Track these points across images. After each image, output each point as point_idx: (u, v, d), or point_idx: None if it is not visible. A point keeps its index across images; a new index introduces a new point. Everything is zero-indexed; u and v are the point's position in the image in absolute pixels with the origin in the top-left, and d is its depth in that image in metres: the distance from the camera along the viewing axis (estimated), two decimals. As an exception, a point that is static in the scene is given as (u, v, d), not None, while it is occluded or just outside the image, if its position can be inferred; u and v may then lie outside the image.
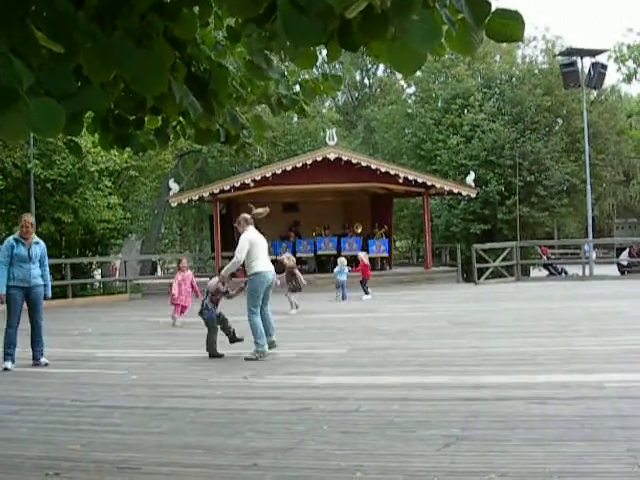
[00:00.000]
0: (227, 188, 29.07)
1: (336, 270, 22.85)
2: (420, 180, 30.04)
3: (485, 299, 21.67)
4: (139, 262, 40.45)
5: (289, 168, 28.63)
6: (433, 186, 30.68)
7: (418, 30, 2.72)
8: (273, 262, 12.80)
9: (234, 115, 5.78)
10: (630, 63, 46.73)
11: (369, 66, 59.85)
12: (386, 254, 31.82)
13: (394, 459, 5.96)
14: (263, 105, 6.46)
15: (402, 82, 52.96)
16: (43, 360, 11.51)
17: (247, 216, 12.42)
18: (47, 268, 11.93)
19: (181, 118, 5.60)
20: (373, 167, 29.20)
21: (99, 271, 38.77)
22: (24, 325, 11.58)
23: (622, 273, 33.13)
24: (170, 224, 54.70)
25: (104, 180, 31.05)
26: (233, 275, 12.75)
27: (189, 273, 18.04)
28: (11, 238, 11.56)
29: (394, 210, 36.96)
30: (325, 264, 30.64)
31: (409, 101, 49.80)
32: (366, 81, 63.12)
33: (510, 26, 2.91)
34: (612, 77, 71.33)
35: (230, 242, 31.07)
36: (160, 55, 3.12)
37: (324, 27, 2.74)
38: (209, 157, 45.43)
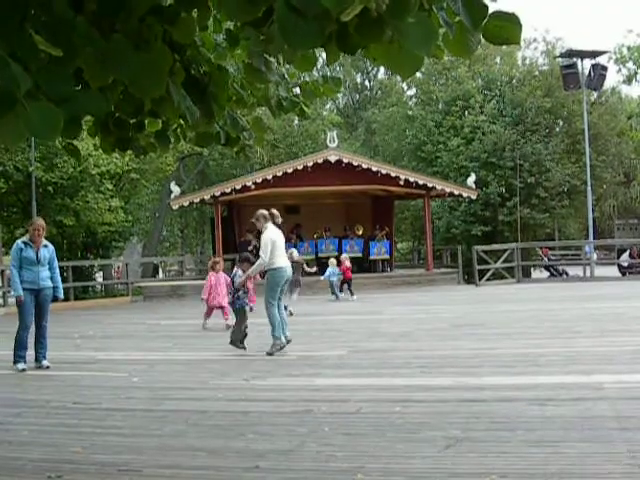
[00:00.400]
0: (228, 190, 29.07)
1: (327, 274, 22.96)
2: (421, 182, 30.05)
3: (486, 301, 21.66)
4: (141, 265, 40.48)
5: (290, 170, 28.63)
6: (434, 188, 30.68)
7: (414, 33, 2.73)
8: None
9: (234, 117, 5.80)
10: (630, 64, 46.78)
11: (370, 68, 59.87)
12: (387, 256, 31.80)
13: (395, 461, 5.97)
14: (263, 107, 6.48)
15: (403, 84, 52.98)
16: (45, 363, 11.52)
17: (265, 212, 12.60)
18: (57, 270, 11.98)
19: (181, 121, 5.62)
20: (374, 169, 29.20)
21: (101, 274, 38.80)
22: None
23: (623, 274, 33.14)
24: (171, 227, 54.73)
25: (105, 183, 31.11)
26: (247, 260, 12.94)
27: (222, 274, 17.59)
28: (20, 241, 11.60)
29: (395, 212, 36.94)
30: (326, 266, 30.61)
31: (410, 103, 49.79)
32: (367, 83, 63.17)
33: (507, 29, 2.92)
34: (612, 78, 71.33)
35: (231, 244, 31.14)
36: (158, 58, 3.13)
37: (321, 30, 2.75)
38: (210, 160, 45.46)
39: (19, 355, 11.39)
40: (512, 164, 37.55)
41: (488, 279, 29.73)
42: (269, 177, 28.52)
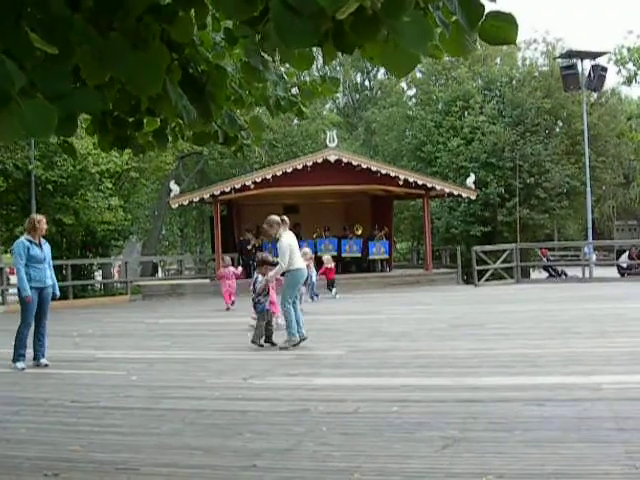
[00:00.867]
0: (227, 190, 29.07)
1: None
2: (420, 182, 30.08)
3: (485, 301, 21.66)
4: (140, 263, 40.48)
5: (289, 170, 28.63)
6: (433, 188, 30.69)
7: (410, 32, 2.73)
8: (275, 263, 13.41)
9: (232, 117, 5.80)
10: (630, 65, 46.73)
11: (370, 68, 59.88)
12: (386, 256, 31.84)
13: (392, 460, 5.97)
14: (263, 107, 6.49)
15: (403, 84, 52.98)
16: (43, 361, 11.51)
17: (278, 219, 13.37)
18: (52, 267, 11.97)
19: (179, 120, 5.62)
20: (373, 169, 29.22)
21: (100, 272, 38.79)
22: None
23: (622, 275, 33.14)
24: (171, 226, 54.76)
25: (105, 182, 31.09)
26: (264, 262, 13.59)
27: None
28: (24, 239, 11.48)
29: (394, 212, 36.96)
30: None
31: (409, 103, 49.80)
32: (367, 83, 63.21)
33: (504, 29, 2.91)
34: (612, 79, 71.25)
35: (230, 243, 31.15)
36: (156, 57, 3.13)
37: (316, 28, 2.75)
38: (210, 159, 45.47)
39: (19, 353, 11.38)
40: (512, 165, 37.57)
41: (487, 279, 29.74)
42: (269, 176, 28.52)
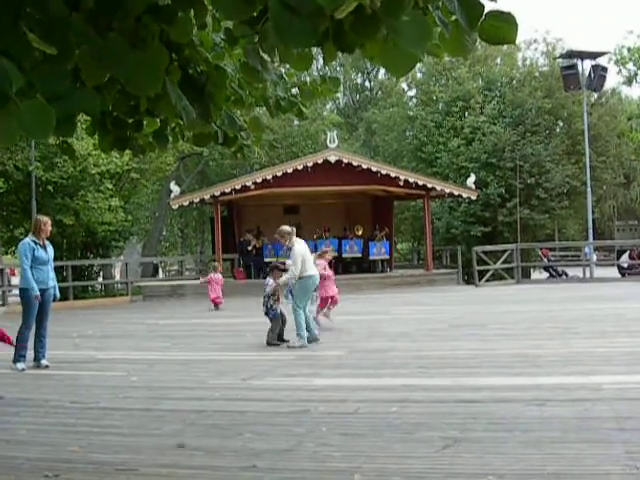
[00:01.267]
0: (228, 190, 29.05)
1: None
2: (421, 182, 30.06)
3: (485, 301, 21.66)
4: (140, 264, 40.49)
5: (290, 170, 28.62)
6: (434, 188, 30.67)
7: (409, 31, 2.72)
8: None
9: (232, 117, 5.80)
10: (630, 65, 46.79)
11: (370, 69, 59.87)
12: (387, 256, 31.82)
13: (393, 461, 5.96)
14: (263, 107, 6.49)
15: (403, 85, 53.01)
16: (44, 362, 11.51)
17: (289, 229, 13.95)
18: (53, 269, 11.98)
19: (179, 120, 5.62)
20: (374, 169, 29.20)
21: (101, 273, 38.80)
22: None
23: (622, 275, 33.10)
24: (171, 226, 54.76)
25: (105, 182, 31.10)
26: (276, 268, 14.22)
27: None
28: (29, 240, 11.49)
29: (395, 212, 36.95)
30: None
31: (410, 104, 49.81)
32: (367, 84, 63.18)
33: (503, 28, 2.91)
34: (612, 79, 71.28)
35: (231, 244, 31.15)
36: (155, 57, 3.12)
37: (315, 28, 2.74)
38: (210, 160, 45.46)
39: (20, 354, 11.37)
40: (512, 165, 37.57)
41: (488, 280, 29.72)
42: (269, 177, 28.50)
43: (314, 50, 4.69)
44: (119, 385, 9.95)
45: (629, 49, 47.30)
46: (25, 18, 3.00)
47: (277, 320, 13.56)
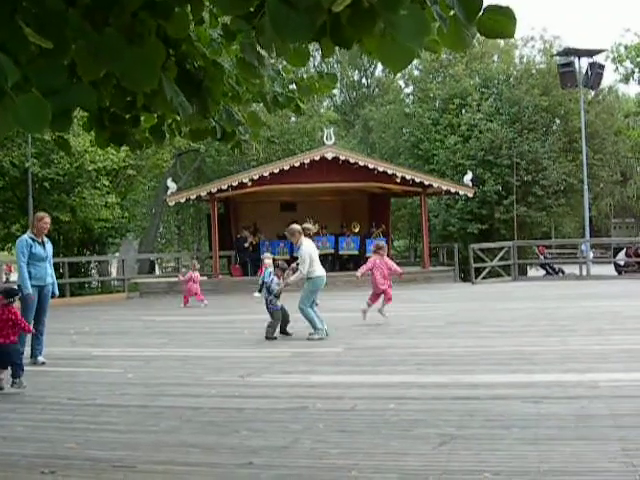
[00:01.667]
0: (225, 187, 29.01)
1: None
2: (417, 180, 30.02)
3: (482, 299, 21.67)
4: (137, 261, 40.45)
5: (287, 167, 28.58)
6: (430, 186, 30.65)
7: (407, 25, 2.72)
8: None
9: (230, 112, 5.79)
10: (627, 63, 46.75)
11: (367, 66, 59.84)
12: (384, 253, 31.79)
13: (389, 458, 5.97)
14: (260, 103, 6.48)
15: (400, 82, 52.95)
16: (40, 359, 11.49)
17: (299, 228, 14.38)
18: (52, 266, 11.96)
19: (176, 116, 5.61)
20: (371, 167, 29.17)
21: (96, 270, 38.75)
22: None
23: (619, 273, 33.10)
24: (168, 223, 54.72)
25: (102, 179, 31.02)
26: (279, 267, 14.75)
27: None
28: (27, 237, 11.46)
29: (392, 209, 36.95)
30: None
31: (407, 101, 49.74)
32: (364, 81, 63.12)
33: (501, 22, 2.91)
34: (609, 77, 71.19)
35: (228, 241, 31.12)
36: (151, 53, 3.12)
37: (312, 22, 2.74)
38: (207, 156, 45.41)
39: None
40: (509, 162, 37.57)
41: (484, 277, 29.74)
42: (266, 174, 28.46)
43: (311, 47, 4.68)
44: (116, 382, 9.95)
45: (626, 47, 47.27)
46: (21, 12, 2.99)
47: (277, 314, 13.77)
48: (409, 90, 51.76)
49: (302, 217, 30.73)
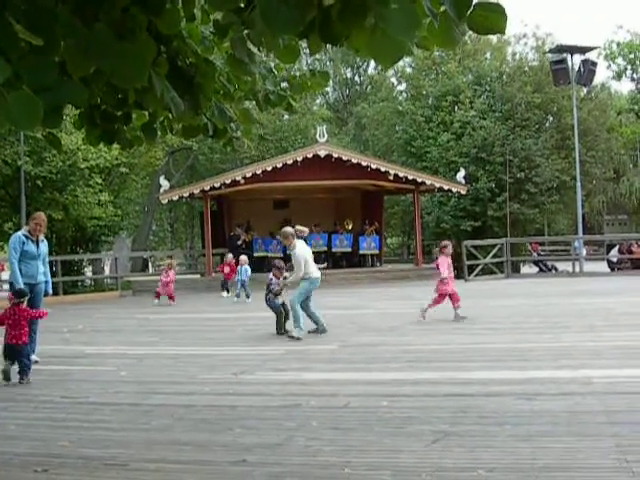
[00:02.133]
0: (218, 185, 28.98)
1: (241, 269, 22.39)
2: (410, 177, 30.04)
3: (475, 296, 21.64)
4: (130, 259, 40.42)
5: (280, 165, 28.56)
6: (423, 183, 30.66)
7: (397, 19, 2.71)
8: (264, 258, 14.32)
9: (221, 109, 5.77)
10: (620, 60, 46.94)
11: (360, 63, 59.81)
12: (377, 251, 31.84)
13: (383, 455, 5.97)
14: (252, 101, 6.47)
15: (393, 79, 52.97)
16: (33, 357, 11.42)
17: (292, 230, 14.57)
18: (47, 265, 11.92)
19: (168, 113, 5.59)
20: (364, 164, 29.16)
21: (90, 268, 38.70)
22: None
23: (612, 270, 33.18)
24: (161, 221, 54.68)
25: (94, 177, 30.98)
26: (277, 267, 14.84)
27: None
28: (21, 234, 11.45)
29: (385, 207, 36.95)
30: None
31: (400, 98, 49.77)
32: (357, 78, 63.09)
33: (492, 18, 2.90)
34: (602, 74, 71.33)
35: (221, 239, 31.09)
36: (142, 49, 3.10)
37: (302, 15, 2.74)
38: (200, 154, 45.38)
39: None
40: (502, 159, 37.61)
41: (477, 274, 29.77)
42: (259, 172, 28.43)
43: (302, 44, 4.67)
44: (109, 380, 9.94)
45: (618, 44, 47.45)
46: (11, 9, 2.98)
47: (277, 310, 14.19)
48: (402, 87, 51.83)
49: (295, 215, 30.79)
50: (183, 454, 6.19)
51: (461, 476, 5.42)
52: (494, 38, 42.42)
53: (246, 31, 3.95)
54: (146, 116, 5.57)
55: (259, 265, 27.09)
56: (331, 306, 18.73)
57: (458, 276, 31.63)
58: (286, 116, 44.21)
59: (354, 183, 31.07)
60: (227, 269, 24.59)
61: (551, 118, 42.32)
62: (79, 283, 33.59)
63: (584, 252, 34.99)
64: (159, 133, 6.06)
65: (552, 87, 38.24)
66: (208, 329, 15.87)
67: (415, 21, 2.74)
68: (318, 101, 57.65)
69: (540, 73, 40.42)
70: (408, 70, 47.75)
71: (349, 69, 61.66)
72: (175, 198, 30.94)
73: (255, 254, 29.20)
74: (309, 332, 13.70)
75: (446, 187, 31.47)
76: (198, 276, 31.37)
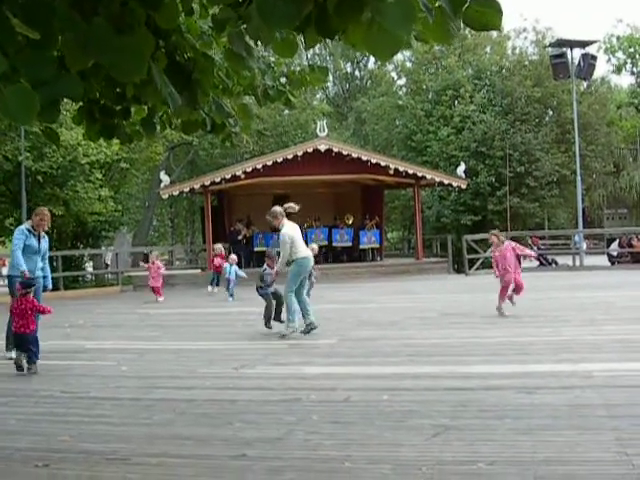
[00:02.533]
0: (218, 180, 29.00)
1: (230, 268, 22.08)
2: (411, 171, 30.05)
3: (475, 290, 21.66)
4: (130, 254, 40.42)
5: (280, 160, 28.58)
6: (424, 177, 30.69)
7: (394, 12, 2.71)
8: (264, 253, 13.89)
9: (220, 104, 5.77)
10: (620, 54, 46.87)
11: (359, 58, 59.75)
12: (377, 245, 31.87)
13: (383, 449, 5.97)
14: (252, 97, 6.47)
15: (393, 74, 52.96)
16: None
17: (280, 209, 13.66)
18: (47, 261, 11.93)
19: (167, 108, 5.59)
20: (364, 158, 29.19)
21: (91, 263, 38.70)
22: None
23: (612, 264, 33.17)
24: (161, 216, 54.65)
25: (95, 172, 30.96)
26: (269, 256, 14.37)
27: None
28: (24, 227, 11.47)
29: (385, 201, 36.96)
30: (316, 256, 30.55)
31: (400, 92, 49.78)
32: (357, 73, 63.06)
33: (487, 14, 2.91)
34: (602, 68, 71.22)
35: (221, 234, 31.09)
36: (140, 43, 3.10)
37: (299, 10, 2.74)
38: (200, 149, 45.37)
39: (11, 343, 11.30)
40: (502, 153, 37.62)
41: (478, 268, 29.77)
42: (259, 166, 28.45)
43: (300, 39, 4.67)
44: (109, 375, 9.93)
45: (618, 38, 47.38)
46: (8, 2, 2.98)
47: (267, 298, 13.71)
48: (402, 82, 51.82)
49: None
50: (184, 448, 6.19)
51: (461, 469, 5.42)
52: (494, 32, 42.39)
53: (243, 26, 3.95)
54: (145, 110, 5.57)
55: (260, 260, 27.06)
56: (331, 300, 18.76)
57: (458, 270, 31.83)
58: (286, 111, 44.19)
59: (354, 177, 31.08)
60: (218, 260, 24.11)
61: (551, 112, 42.32)
62: (80, 278, 33.59)
63: (584, 246, 34.99)
64: (158, 128, 6.06)
65: (552, 81, 38.24)
66: (209, 324, 15.86)
67: (411, 15, 2.74)
68: (318, 96, 57.63)
69: (540, 67, 40.43)
70: (408, 64, 47.76)
71: (349, 64, 61.63)
72: (175, 193, 30.99)
73: (256, 249, 29.21)
74: (302, 332, 12.93)
75: (446, 181, 31.49)
76: (199, 271, 31.39)
